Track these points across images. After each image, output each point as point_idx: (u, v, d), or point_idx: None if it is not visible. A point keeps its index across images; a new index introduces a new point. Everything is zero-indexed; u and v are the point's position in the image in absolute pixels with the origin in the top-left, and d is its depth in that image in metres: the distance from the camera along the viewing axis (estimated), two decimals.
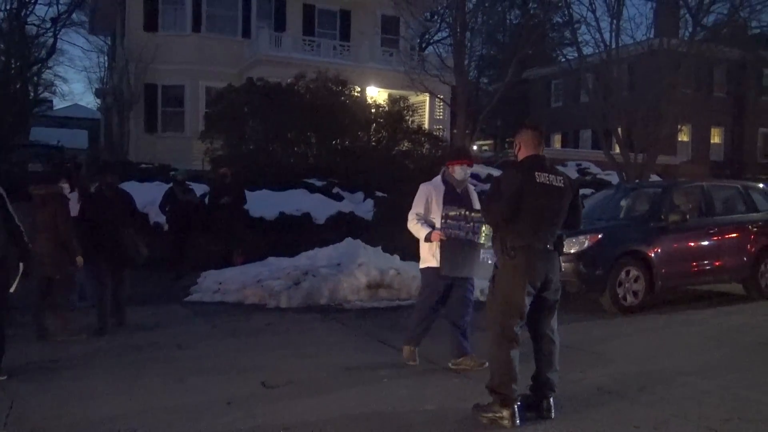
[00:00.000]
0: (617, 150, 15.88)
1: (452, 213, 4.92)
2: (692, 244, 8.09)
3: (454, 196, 5.08)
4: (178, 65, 19.18)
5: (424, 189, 5.19)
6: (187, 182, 10.40)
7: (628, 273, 7.51)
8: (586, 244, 7.50)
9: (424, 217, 5.09)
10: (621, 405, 4.22)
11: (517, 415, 3.77)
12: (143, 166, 15.16)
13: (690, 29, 15.18)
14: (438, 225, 4.97)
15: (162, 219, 10.21)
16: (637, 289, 7.55)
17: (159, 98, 19.79)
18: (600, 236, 7.62)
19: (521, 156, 4.04)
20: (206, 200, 10.31)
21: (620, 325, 6.90)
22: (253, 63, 18.79)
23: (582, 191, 14.19)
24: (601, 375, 4.92)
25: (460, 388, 4.57)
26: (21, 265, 5.02)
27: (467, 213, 4.92)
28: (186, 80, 19.57)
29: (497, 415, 3.80)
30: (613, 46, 15.02)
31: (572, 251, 7.49)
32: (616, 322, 7.09)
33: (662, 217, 7.99)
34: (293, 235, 10.73)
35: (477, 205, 5.10)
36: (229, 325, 6.91)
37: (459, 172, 5.13)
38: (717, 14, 15.90)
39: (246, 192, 10.46)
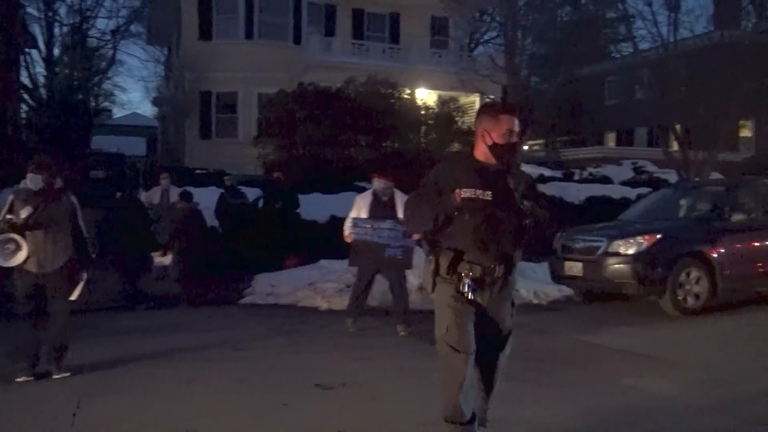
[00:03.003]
0: (675, 147, 15.39)
1: (360, 222, 6.50)
2: (758, 244, 7.76)
3: (377, 204, 6.59)
4: (231, 72, 19.57)
5: (356, 199, 6.85)
6: (238, 187, 10.62)
7: (689, 274, 7.26)
8: (644, 245, 7.30)
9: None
10: (681, 412, 4.08)
11: None
12: (198, 171, 15.54)
13: (753, 20, 14.61)
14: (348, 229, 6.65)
15: (217, 223, 10.45)
16: (698, 291, 7.29)
17: (213, 105, 20.26)
18: (659, 236, 7.41)
19: None
20: (259, 204, 10.49)
21: (680, 329, 6.69)
22: (305, 68, 19.02)
23: (637, 190, 13.95)
24: (660, 380, 4.77)
25: (515, 393, 4.49)
26: (84, 274, 5.23)
27: (373, 222, 6.46)
28: (239, 87, 19.96)
29: None
30: (671, 40, 14.59)
31: (630, 252, 7.32)
32: (676, 325, 6.88)
33: (726, 216, 7.71)
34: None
35: (400, 210, 6.21)
36: (282, 327, 7.02)
37: (375, 184, 6.68)
38: None
39: (298, 196, 10.60)
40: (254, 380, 4.92)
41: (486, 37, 29.29)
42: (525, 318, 7.29)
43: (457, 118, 15.24)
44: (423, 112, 15.00)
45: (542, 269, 8.92)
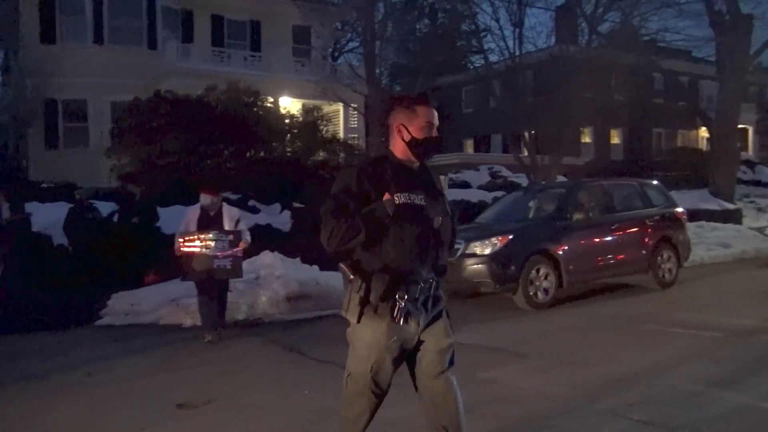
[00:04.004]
0: (525, 153, 16.52)
1: (187, 236, 6.59)
2: (596, 240, 8.52)
3: (205, 217, 6.71)
4: (79, 78, 18.32)
5: (186, 212, 6.89)
6: (90, 201, 9.97)
7: (538, 271, 7.81)
8: (498, 246, 7.76)
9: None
10: (534, 400, 4.38)
11: None
12: (45, 185, 14.37)
13: (587, 36, 16.05)
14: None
15: (66, 240, 9.73)
16: (547, 286, 7.87)
17: (60, 113, 18.86)
18: (510, 237, 7.90)
19: None
20: (114, 219, 9.91)
21: (533, 322, 7.16)
22: (161, 75, 18.24)
23: (494, 193, 14.82)
24: (516, 371, 5.09)
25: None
26: None
27: (199, 234, 6.58)
28: (89, 94, 18.72)
29: None
30: (517, 53, 15.67)
31: (486, 252, 7.75)
32: (528, 319, 7.35)
33: (567, 216, 8.38)
34: None
35: (227, 224, 6.72)
36: (142, 347, 6.67)
37: (202, 199, 6.76)
38: (611, 22, 16.92)
39: (158, 209, 10.13)
40: (109, 406, 4.63)
41: (348, 47, 29.79)
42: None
43: (322, 127, 15.35)
44: (287, 121, 14.95)
45: None
